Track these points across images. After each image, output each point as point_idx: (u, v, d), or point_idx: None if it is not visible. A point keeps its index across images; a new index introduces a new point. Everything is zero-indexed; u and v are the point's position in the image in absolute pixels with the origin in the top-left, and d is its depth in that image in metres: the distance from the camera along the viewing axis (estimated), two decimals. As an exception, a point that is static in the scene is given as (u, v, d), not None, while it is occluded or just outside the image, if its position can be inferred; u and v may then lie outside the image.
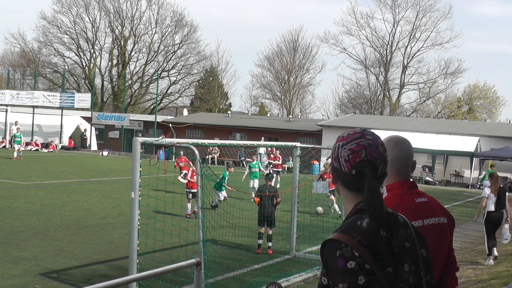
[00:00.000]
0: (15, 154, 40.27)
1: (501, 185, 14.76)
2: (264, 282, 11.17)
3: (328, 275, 2.51)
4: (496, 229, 14.70)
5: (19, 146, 41.28)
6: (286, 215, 16.50)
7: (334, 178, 2.80)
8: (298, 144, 15.15)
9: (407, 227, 2.70)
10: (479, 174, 44.58)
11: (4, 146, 55.13)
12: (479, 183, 40.18)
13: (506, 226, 14.99)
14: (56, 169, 35.14)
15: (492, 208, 14.41)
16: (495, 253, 14.54)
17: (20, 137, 41.95)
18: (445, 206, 3.91)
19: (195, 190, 20.99)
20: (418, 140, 42.16)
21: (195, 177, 21.00)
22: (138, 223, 9.80)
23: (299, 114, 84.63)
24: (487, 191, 14.56)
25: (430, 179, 45.71)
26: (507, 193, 14.82)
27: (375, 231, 2.55)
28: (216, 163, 51.12)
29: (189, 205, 19.62)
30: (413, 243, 2.68)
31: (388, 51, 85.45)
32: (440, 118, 79.25)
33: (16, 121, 52.78)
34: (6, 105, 59.63)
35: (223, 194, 20.76)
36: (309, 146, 16.27)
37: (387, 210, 2.68)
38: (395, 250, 2.57)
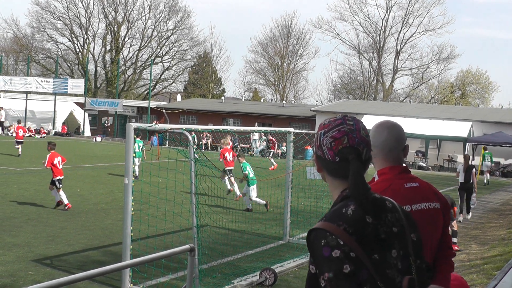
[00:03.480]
0: None
1: (470, 164, 20.07)
2: (258, 268, 11.18)
3: (315, 264, 2.51)
4: (468, 196, 19.94)
5: None
6: (280, 200, 16.51)
7: (318, 166, 2.79)
8: (291, 129, 15.13)
9: (395, 212, 2.68)
10: (472, 159, 44.68)
11: (-4, 132, 55.00)
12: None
13: (474, 194, 20.78)
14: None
15: (462, 179, 19.83)
16: (460, 218, 18.90)
17: None
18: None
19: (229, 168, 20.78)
20: (411, 125, 42.22)
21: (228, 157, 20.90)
22: (132, 209, 9.78)
23: (293, 99, 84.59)
24: (460, 167, 20.17)
25: (424, 164, 45.79)
26: (474, 170, 19.99)
27: (361, 218, 2.53)
28: (209, 148, 51.09)
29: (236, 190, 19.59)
30: (402, 228, 2.65)
31: (381, 36, 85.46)
32: (433, 103, 79.29)
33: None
34: (-1, 91, 59.49)
35: (253, 190, 18.64)
36: (302, 131, 16.26)
37: (375, 196, 2.67)
38: (382, 236, 2.55)
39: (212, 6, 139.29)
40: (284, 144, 41.96)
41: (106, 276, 9.94)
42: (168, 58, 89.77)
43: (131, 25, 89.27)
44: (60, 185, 17.58)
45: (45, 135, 55.06)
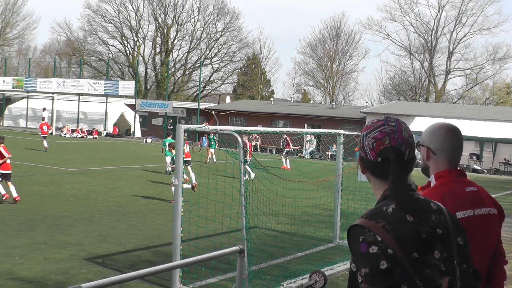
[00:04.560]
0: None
1: None
2: (308, 270, 11.11)
3: (353, 260, 2.55)
4: None
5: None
6: (329, 203, 16.39)
7: (362, 167, 2.84)
8: (341, 131, 15.02)
9: (440, 214, 2.69)
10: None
11: (51, 133, 55.93)
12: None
13: None
14: (101, 155, 35.52)
15: None
16: None
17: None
18: (494, 196, 3.79)
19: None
20: (465, 127, 41.48)
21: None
22: (182, 209, 9.80)
23: (342, 101, 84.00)
24: None
25: (478, 167, 44.92)
26: None
27: (401, 217, 2.56)
28: (258, 150, 51.18)
29: None
30: (446, 230, 2.66)
31: (433, 36, 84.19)
32: (488, 104, 77.80)
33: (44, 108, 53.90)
34: (53, 93, 60.61)
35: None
36: (352, 133, 16.11)
37: (418, 196, 2.70)
38: (423, 236, 2.56)
39: (261, 8, 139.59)
40: (334, 146, 41.74)
41: (157, 276, 9.99)
42: (217, 60, 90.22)
43: (181, 27, 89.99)
44: (10, 179, 17.67)
45: (97, 136, 55.87)
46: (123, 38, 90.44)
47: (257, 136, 51.22)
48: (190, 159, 23.90)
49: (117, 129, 61.13)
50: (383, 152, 2.69)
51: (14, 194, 17.35)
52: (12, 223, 14.39)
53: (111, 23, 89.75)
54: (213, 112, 62.01)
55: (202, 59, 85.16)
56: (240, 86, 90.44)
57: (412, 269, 2.48)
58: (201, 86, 70.80)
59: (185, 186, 18.93)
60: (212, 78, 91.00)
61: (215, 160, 33.78)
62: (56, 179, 23.15)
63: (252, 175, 23.95)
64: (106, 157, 34.43)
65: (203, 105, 63.85)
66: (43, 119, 43.10)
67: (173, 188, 18.82)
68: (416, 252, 2.51)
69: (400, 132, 2.72)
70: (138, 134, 61.85)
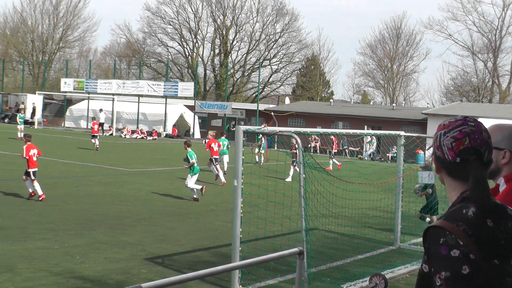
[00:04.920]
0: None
1: None
2: (368, 273, 10.95)
3: (430, 263, 2.48)
4: None
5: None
6: (390, 205, 16.18)
7: (437, 167, 2.75)
8: (402, 133, 14.81)
9: None
10: None
11: (111, 134, 56.79)
12: None
13: None
14: (160, 156, 35.91)
15: None
16: None
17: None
18: None
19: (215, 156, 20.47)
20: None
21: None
22: (241, 211, 9.78)
23: (403, 102, 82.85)
24: None
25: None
26: None
27: (481, 221, 2.48)
28: (318, 151, 50.98)
29: None
30: None
31: (497, 36, 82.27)
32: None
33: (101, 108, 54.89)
34: (113, 94, 61.57)
35: (192, 178, 20.00)
36: (413, 135, 15.89)
37: (495, 201, 2.60)
38: (501, 242, 2.48)
39: (320, 9, 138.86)
40: (394, 147, 41.27)
41: (216, 276, 10.00)
42: (276, 61, 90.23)
43: (239, 29, 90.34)
44: (34, 177, 17.71)
45: (156, 137, 56.51)
46: (182, 39, 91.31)
47: (317, 138, 51.04)
48: (218, 157, 25.37)
49: (176, 130, 61.69)
50: (462, 153, 2.61)
51: (40, 192, 17.58)
52: (73, 223, 14.63)
53: (170, 24, 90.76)
54: (272, 113, 62.03)
55: (261, 60, 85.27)
56: (299, 87, 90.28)
57: (492, 276, 2.40)
58: (260, 87, 70.90)
59: (195, 186, 19.20)
60: (271, 79, 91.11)
61: (262, 162, 33.78)
62: (116, 180, 23.47)
63: (289, 178, 24.48)
64: (166, 158, 34.76)
65: (262, 106, 63.92)
66: (93, 118, 44.02)
67: (188, 186, 19.60)
68: (496, 259, 2.44)
69: (480, 133, 2.64)
70: (197, 135, 62.30)
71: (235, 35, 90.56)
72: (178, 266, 11.36)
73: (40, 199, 17.45)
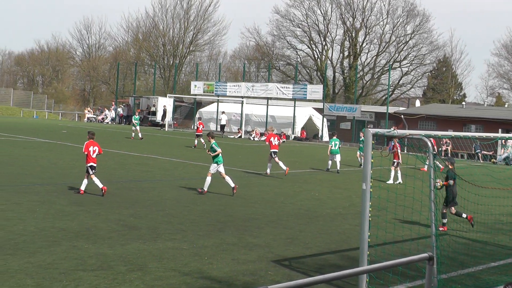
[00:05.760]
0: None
1: None
2: (502, 282, 10.56)
3: None
4: None
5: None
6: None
7: None
8: (540, 136, 14.17)
9: None
10: None
11: (240, 136, 57.69)
12: None
13: None
14: (289, 159, 36.11)
15: None
16: None
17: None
18: None
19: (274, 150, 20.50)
20: None
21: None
22: (369, 214, 9.70)
23: (541, 104, 79.35)
24: None
25: None
26: None
27: None
28: (449, 155, 49.60)
29: None
30: None
31: None
32: None
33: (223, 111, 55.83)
34: (242, 97, 62.55)
35: (216, 167, 20.33)
36: (552, 138, 15.16)
37: None
38: None
39: (452, 9, 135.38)
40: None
41: (343, 280, 9.97)
42: (407, 63, 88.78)
43: (369, 31, 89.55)
44: (93, 171, 18.19)
45: (285, 139, 56.88)
46: (311, 42, 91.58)
47: (448, 141, 49.71)
48: (277, 150, 26.99)
49: (305, 133, 61.87)
50: None
51: (100, 186, 18.15)
52: (202, 224, 14.97)
53: (299, 27, 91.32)
54: (402, 116, 60.95)
55: (391, 63, 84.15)
56: (430, 90, 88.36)
57: None
58: (389, 89, 69.89)
59: (230, 182, 20.07)
60: (401, 82, 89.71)
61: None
62: (245, 182, 23.80)
63: (390, 181, 24.89)
64: (294, 160, 34.92)
65: (391, 109, 62.98)
66: (199, 118, 44.98)
67: (211, 171, 20.02)
68: None
69: None
70: (326, 138, 62.23)
71: (365, 37, 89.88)
72: (305, 269, 11.39)
73: (102, 191, 18.08)
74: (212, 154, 20.20)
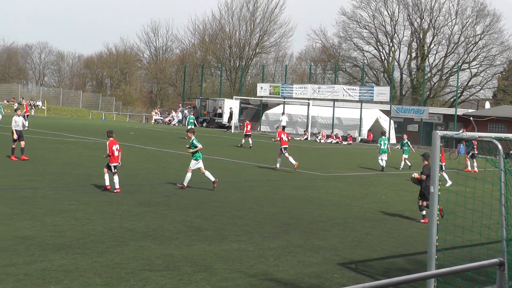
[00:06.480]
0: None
1: None
2: None
3: None
4: None
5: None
6: None
7: None
8: None
9: None
10: None
11: (306, 138, 57.57)
12: None
13: None
14: (355, 161, 35.91)
15: None
16: None
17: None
18: None
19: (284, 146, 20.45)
20: None
21: None
22: (438, 218, 9.54)
23: None
24: None
25: None
26: None
27: None
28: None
29: None
30: None
31: None
32: None
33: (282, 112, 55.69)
34: (308, 99, 62.43)
35: (196, 164, 20.45)
36: None
37: None
38: None
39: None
40: None
41: (410, 284, 9.82)
42: (476, 64, 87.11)
43: (437, 32, 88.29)
44: (115, 171, 18.45)
45: (351, 142, 56.57)
46: (378, 43, 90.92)
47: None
48: (287, 146, 28.14)
49: (371, 135, 61.36)
50: None
51: (116, 186, 18.39)
52: (268, 226, 14.99)
53: (366, 28, 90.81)
54: (471, 118, 59.90)
55: (459, 64, 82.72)
56: (500, 91, 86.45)
57: None
58: (458, 91, 68.73)
59: (210, 177, 20.22)
60: (470, 83, 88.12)
61: (404, 166, 32.60)
62: (311, 184, 23.76)
63: (448, 183, 24.33)
64: (360, 163, 34.69)
65: (460, 111, 61.91)
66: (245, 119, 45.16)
67: (191, 167, 20.22)
68: None
69: None
70: (392, 140, 61.60)
71: (433, 38, 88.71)
72: (372, 272, 11.29)
73: (115, 191, 18.33)
74: (191, 151, 20.32)
